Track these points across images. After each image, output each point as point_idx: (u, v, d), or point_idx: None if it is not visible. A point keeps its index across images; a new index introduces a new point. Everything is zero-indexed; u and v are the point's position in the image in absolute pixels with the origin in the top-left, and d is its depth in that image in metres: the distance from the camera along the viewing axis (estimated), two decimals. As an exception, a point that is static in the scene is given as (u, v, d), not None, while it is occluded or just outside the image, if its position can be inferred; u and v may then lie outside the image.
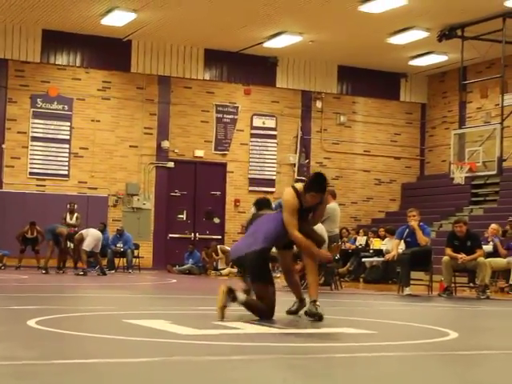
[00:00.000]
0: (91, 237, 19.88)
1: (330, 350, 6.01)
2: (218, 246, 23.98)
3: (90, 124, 24.94)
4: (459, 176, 22.23)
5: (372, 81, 28.02)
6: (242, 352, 5.70)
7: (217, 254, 23.55)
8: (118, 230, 23.05)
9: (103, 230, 22.26)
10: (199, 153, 26.13)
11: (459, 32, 22.39)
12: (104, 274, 19.82)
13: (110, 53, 25.01)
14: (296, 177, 27.12)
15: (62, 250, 20.36)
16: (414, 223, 15.02)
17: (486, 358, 6.00)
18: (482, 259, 14.11)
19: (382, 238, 21.63)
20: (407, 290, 14.26)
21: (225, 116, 26.59)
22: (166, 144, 25.58)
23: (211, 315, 7.81)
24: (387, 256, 19.23)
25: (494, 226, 17.60)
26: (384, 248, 20.42)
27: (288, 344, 6.34)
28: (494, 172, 21.73)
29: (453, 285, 14.51)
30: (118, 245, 22.46)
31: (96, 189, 24.83)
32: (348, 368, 5.21)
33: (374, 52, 25.51)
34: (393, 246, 17.10)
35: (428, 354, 6.17)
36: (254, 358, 5.40)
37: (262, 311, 7.93)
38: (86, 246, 19.78)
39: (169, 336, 6.44)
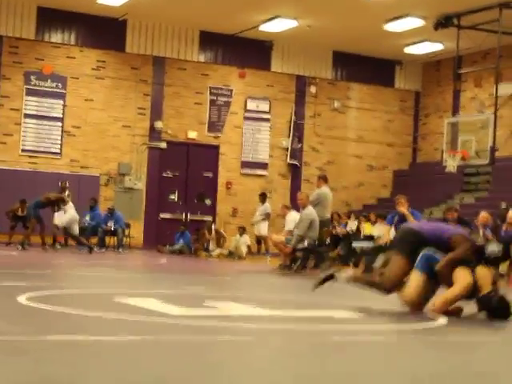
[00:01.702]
0: (69, 214, 19.88)
1: (318, 333, 6.05)
2: (213, 226, 23.95)
3: (84, 103, 24.88)
4: (451, 164, 22.27)
5: (367, 67, 28.00)
6: (232, 332, 5.74)
7: (210, 233, 23.52)
8: (109, 209, 23.03)
9: (94, 207, 22.25)
10: (192, 134, 26.11)
11: (455, 21, 22.36)
12: (50, 247, 20.13)
13: (105, 32, 24.92)
14: (288, 161, 27.16)
15: (43, 227, 20.22)
16: (402, 209, 15.09)
17: (475, 345, 6.06)
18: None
19: (373, 224, 21.70)
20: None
21: (219, 98, 26.55)
22: (159, 125, 25.55)
23: (201, 295, 7.85)
24: (378, 241, 19.36)
25: (483, 213, 17.61)
26: (375, 234, 20.49)
27: (277, 326, 6.39)
28: (487, 161, 21.78)
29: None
30: (108, 224, 22.44)
31: (88, 168, 24.79)
32: (340, 352, 5.26)
33: (370, 39, 25.48)
34: (384, 233, 17.18)
35: (414, 338, 6.22)
36: (242, 339, 5.45)
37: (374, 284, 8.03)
38: (59, 221, 19.79)
39: (159, 315, 6.48)
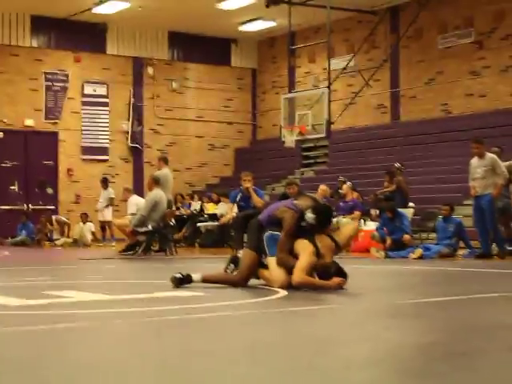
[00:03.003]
0: None
1: (163, 313, 6.10)
2: (53, 217, 23.60)
3: None
4: (290, 139, 22.66)
5: (203, 47, 28.07)
6: (70, 320, 5.70)
7: (51, 224, 23.16)
8: None
9: None
10: (29, 122, 25.50)
11: (286, -2, 22.73)
12: None
13: None
14: (130, 144, 26.97)
15: None
16: (248, 185, 15.26)
17: (313, 312, 6.25)
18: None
19: (216, 203, 21.88)
20: (241, 253, 14.49)
21: (55, 84, 26.03)
22: (-7, 114, 24.83)
23: (42, 285, 7.74)
24: (222, 220, 19.58)
25: (322, 186, 18.11)
26: (218, 212, 20.68)
27: (119, 310, 6.39)
28: (323, 135, 22.28)
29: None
30: None
31: None
32: (181, 329, 5.32)
33: (204, 18, 25.53)
34: (227, 210, 17.38)
35: (258, 311, 6.36)
36: (82, 325, 5.43)
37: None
38: None
39: (-3, 308, 6.36)
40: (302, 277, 7.61)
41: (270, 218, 8.16)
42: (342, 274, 7.68)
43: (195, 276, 8.03)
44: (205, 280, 8.10)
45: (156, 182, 16.09)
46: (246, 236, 9.86)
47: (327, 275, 7.67)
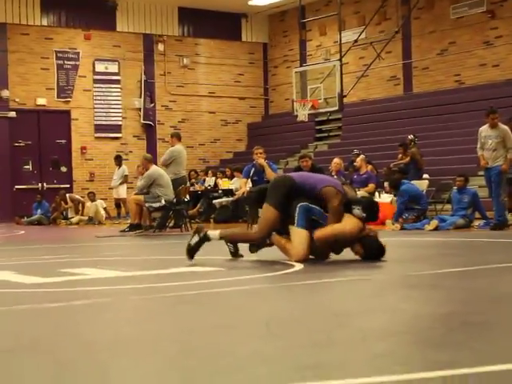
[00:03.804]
0: None
1: (179, 288, 6.10)
2: (67, 195, 23.66)
3: None
4: (302, 113, 22.54)
5: (213, 22, 27.96)
6: (85, 297, 5.72)
7: (66, 203, 23.22)
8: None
9: None
10: (41, 101, 25.52)
11: (295, -30, 22.58)
12: None
13: None
14: (142, 121, 26.96)
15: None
16: (261, 160, 15.23)
17: (330, 285, 6.24)
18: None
19: (230, 178, 21.88)
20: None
21: (66, 62, 26.00)
22: (5, 93, 24.82)
23: (58, 263, 7.77)
24: (237, 194, 19.57)
25: (336, 160, 18.04)
26: (233, 187, 20.67)
27: (135, 286, 6.41)
28: (336, 108, 22.16)
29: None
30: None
31: None
32: (197, 304, 5.32)
33: (214, -7, 25.43)
34: (241, 185, 17.36)
35: (275, 285, 6.36)
36: (98, 302, 5.44)
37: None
38: None
39: (13, 286, 6.38)
40: (327, 237, 7.68)
41: (311, 188, 7.90)
42: (382, 248, 7.82)
43: (212, 233, 7.94)
44: (222, 237, 8.01)
45: (149, 160, 16.09)
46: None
47: (369, 248, 7.77)
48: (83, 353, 3.66)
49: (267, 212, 7.93)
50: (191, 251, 7.85)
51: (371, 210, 7.97)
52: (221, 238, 7.98)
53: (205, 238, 7.86)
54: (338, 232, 7.71)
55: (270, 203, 7.93)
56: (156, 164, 17.04)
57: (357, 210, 7.81)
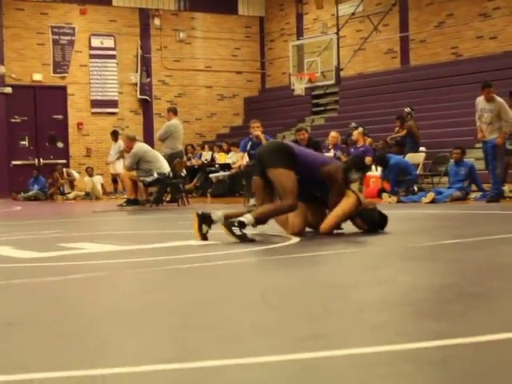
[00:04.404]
0: None
1: (176, 261, 6.11)
2: (64, 169, 23.63)
3: None
4: (299, 87, 22.56)
5: (209, -4, 27.83)
6: (82, 271, 5.71)
7: (62, 177, 23.20)
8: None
9: None
10: (37, 76, 25.42)
11: None
12: None
13: None
14: (139, 96, 26.88)
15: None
16: (258, 133, 15.23)
17: (327, 258, 6.25)
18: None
19: (227, 152, 21.85)
20: (252, 201, 14.52)
21: (61, 37, 25.87)
22: (1, 69, 24.72)
23: (55, 238, 7.76)
24: (233, 166, 19.56)
25: (333, 133, 18.00)
26: (230, 161, 20.64)
27: (131, 260, 6.40)
28: (333, 81, 22.17)
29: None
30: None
31: None
32: (194, 277, 5.33)
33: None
34: (238, 159, 17.36)
35: (271, 258, 6.37)
36: (94, 276, 5.44)
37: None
38: None
39: (10, 261, 6.38)
40: (333, 227, 7.74)
41: (313, 162, 7.78)
42: (383, 218, 7.90)
43: (247, 220, 7.43)
44: (257, 221, 7.47)
45: (132, 139, 16.03)
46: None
47: (371, 221, 7.84)
48: (82, 326, 3.66)
49: (285, 175, 7.54)
50: (244, 238, 7.36)
51: (360, 164, 8.24)
52: (256, 222, 7.50)
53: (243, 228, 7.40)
54: (340, 216, 7.80)
55: (283, 166, 7.55)
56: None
57: (352, 175, 7.85)
